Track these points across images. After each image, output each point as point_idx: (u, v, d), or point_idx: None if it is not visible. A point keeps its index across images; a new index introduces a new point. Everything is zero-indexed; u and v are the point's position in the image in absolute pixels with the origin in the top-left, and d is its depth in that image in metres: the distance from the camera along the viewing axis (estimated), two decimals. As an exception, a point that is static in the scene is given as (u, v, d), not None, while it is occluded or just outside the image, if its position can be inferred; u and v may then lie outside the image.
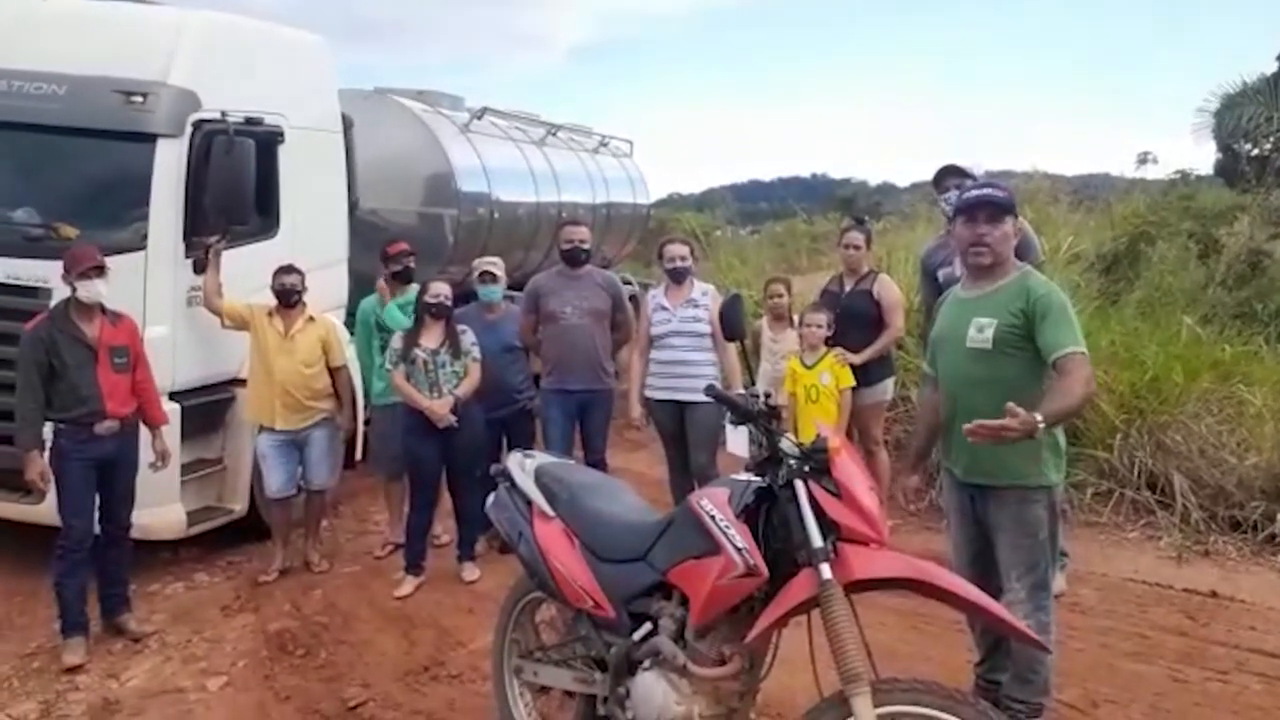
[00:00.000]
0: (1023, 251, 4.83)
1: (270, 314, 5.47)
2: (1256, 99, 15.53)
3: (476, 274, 5.84)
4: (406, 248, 6.11)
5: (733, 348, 5.15)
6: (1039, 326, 3.14)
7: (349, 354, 5.88)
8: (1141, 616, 4.88)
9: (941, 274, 5.15)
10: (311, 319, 5.56)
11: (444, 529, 5.93)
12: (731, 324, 3.15)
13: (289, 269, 5.50)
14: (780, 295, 6.11)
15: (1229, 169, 16.60)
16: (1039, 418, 2.83)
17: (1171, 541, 5.77)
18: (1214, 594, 5.12)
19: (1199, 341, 7.44)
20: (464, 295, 6.09)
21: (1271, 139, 15.22)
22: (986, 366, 3.25)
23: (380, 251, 6.17)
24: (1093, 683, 4.11)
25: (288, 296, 5.47)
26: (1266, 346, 7.82)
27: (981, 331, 3.25)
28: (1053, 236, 9.49)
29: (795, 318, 5.92)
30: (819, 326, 5.53)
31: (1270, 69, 16.87)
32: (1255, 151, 15.86)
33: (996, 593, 3.22)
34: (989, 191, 3.34)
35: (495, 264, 5.87)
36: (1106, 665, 4.32)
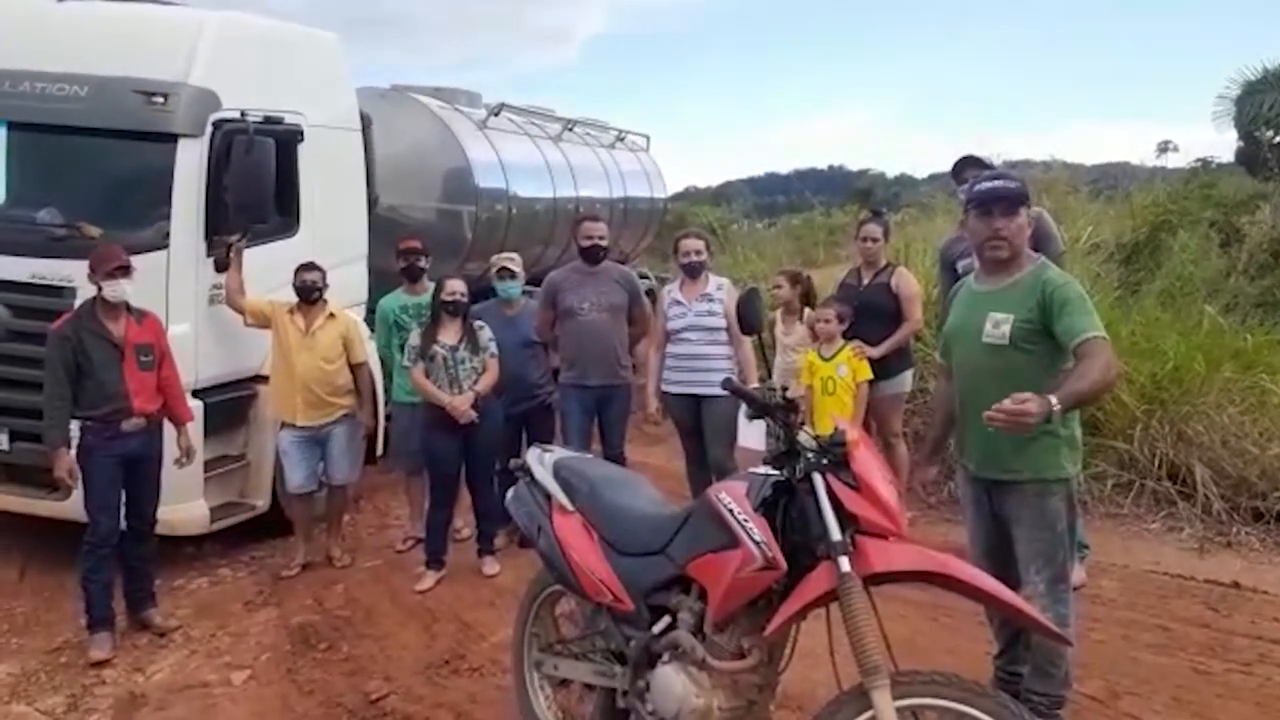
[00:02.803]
0: (1043, 243, 4.81)
1: (291, 311, 5.51)
2: (1278, 86, 15.36)
3: (495, 270, 5.86)
4: (416, 245, 6.13)
5: (749, 341, 5.16)
6: (1057, 315, 3.10)
7: (369, 350, 5.92)
8: (1163, 608, 4.85)
9: (961, 265, 5.14)
10: (332, 315, 5.60)
11: (464, 523, 5.96)
12: (749, 318, 3.15)
13: (310, 266, 5.54)
14: (779, 287, 6.13)
15: (1250, 157, 16.43)
16: (1054, 401, 2.79)
17: (1193, 533, 5.74)
18: (1236, 585, 5.09)
19: (1220, 331, 7.38)
20: (482, 291, 6.11)
21: (1293, 126, 15.07)
22: (1002, 361, 3.22)
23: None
24: (1114, 675, 4.10)
25: (309, 293, 5.51)
26: (1289, 335, 7.74)
27: (998, 327, 3.22)
28: (1072, 227, 9.43)
29: (805, 310, 5.94)
30: (827, 321, 5.54)
31: (1292, 56, 16.70)
32: (1277, 139, 15.68)
33: (1015, 585, 3.21)
34: (1002, 183, 3.29)
35: (513, 259, 5.89)
36: (1128, 657, 4.30)
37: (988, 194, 3.26)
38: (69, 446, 4.51)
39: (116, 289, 4.52)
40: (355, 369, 5.68)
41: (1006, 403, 2.78)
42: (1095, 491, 6.11)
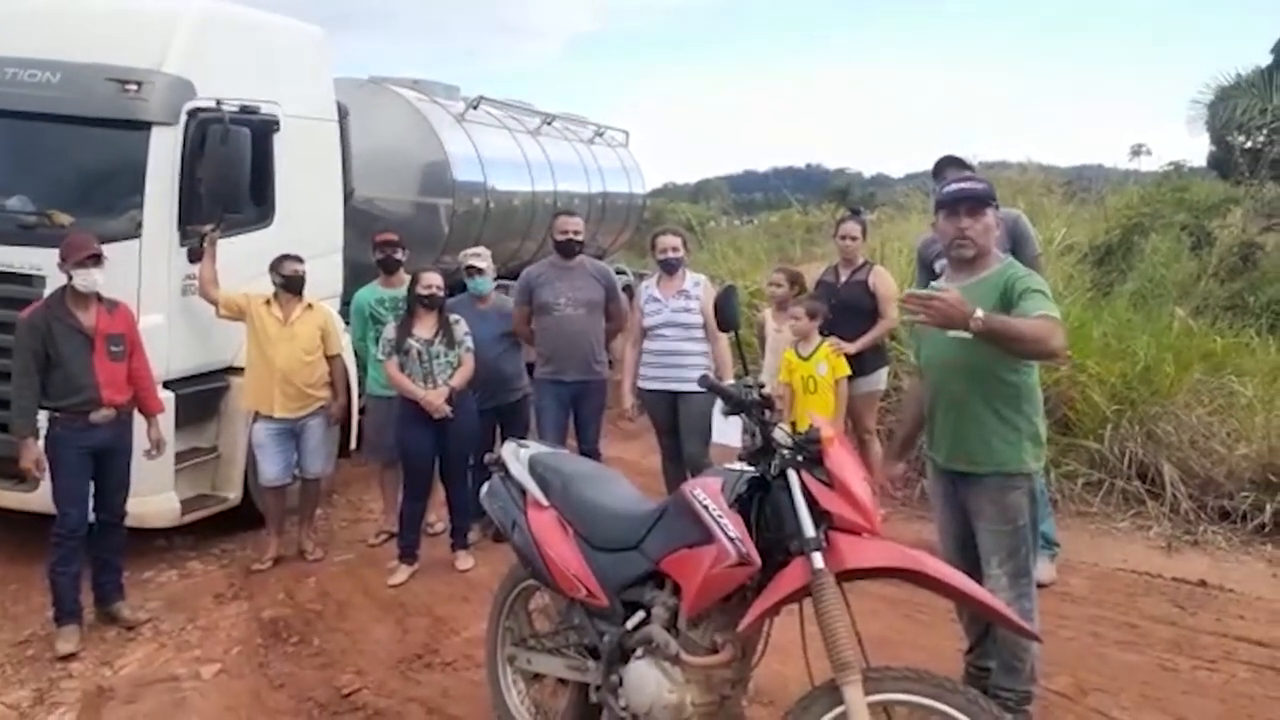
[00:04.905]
0: (1020, 245, 4.87)
1: (268, 302, 5.46)
2: (1250, 91, 15.52)
3: (463, 268, 5.84)
4: (392, 238, 6.12)
5: (725, 338, 5.17)
6: (1015, 302, 3.15)
7: (344, 342, 5.89)
8: (1131, 606, 4.91)
9: (939, 265, 5.16)
10: (310, 307, 5.56)
11: (438, 517, 5.94)
12: (726, 315, 3.16)
13: (295, 257, 5.50)
14: (778, 285, 6.14)
15: (1222, 161, 16.62)
16: (979, 313, 2.88)
17: (1161, 531, 5.81)
18: (1203, 583, 5.16)
19: (1190, 333, 7.48)
20: (458, 285, 6.09)
21: (1265, 131, 15.22)
22: (967, 355, 3.27)
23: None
24: (1082, 671, 4.15)
25: (299, 284, 5.48)
26: (1258, 338, 7.86)
27: None
28: (1046, 228, 9.51)
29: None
30: (796, 319, 5.56)
31: (1265, 61, 16.87)
32: (1249, 144, 15.85)
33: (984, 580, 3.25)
34: (968, 185, 3.36)
35: (479, 255, 5.87)
36: (1096, 654, 4.35)
37: (954, 195, 3.33)
38: (36, 437, 4.46)
39: (87, 278, 4.45)
40: (330, 360, 5.64)
41: (923, 292, 2.97)
42: (1065, 490, 6.18)
